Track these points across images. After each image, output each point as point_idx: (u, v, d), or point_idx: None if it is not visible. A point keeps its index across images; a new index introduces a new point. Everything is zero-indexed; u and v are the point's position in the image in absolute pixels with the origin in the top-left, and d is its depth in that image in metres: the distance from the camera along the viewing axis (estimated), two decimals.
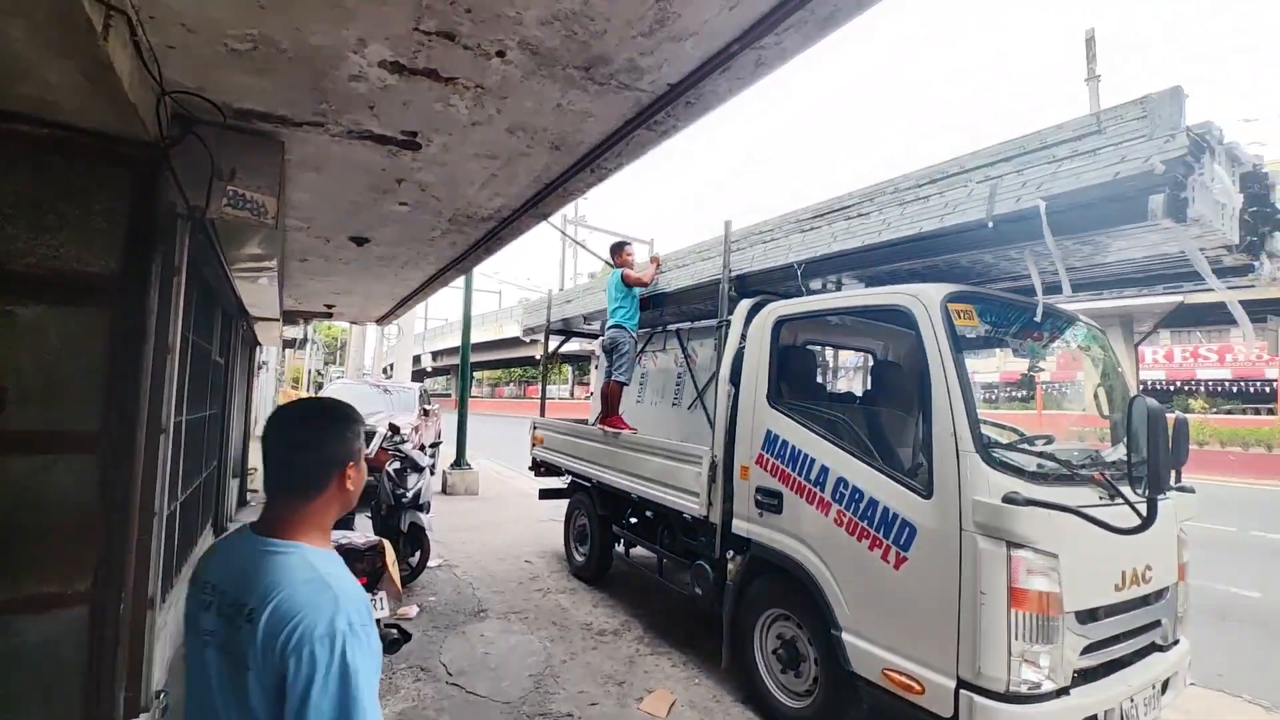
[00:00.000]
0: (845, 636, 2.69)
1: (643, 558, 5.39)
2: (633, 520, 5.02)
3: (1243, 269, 2.62)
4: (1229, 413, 21.42)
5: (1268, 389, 23.37)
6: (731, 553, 3.49)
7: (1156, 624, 2.75)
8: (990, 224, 2.48)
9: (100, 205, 2.04)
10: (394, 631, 3.05)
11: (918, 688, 2.39)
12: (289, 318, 8.10)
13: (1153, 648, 2.73)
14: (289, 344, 26.94)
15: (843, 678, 2.72)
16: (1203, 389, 25.57)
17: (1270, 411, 20.35)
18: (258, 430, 15.26)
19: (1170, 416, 2.24)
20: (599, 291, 5.49)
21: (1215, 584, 5.67)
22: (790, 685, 3.08)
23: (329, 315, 8.36)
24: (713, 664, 3.71)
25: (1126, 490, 2.33)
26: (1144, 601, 2.66)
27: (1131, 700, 2.44)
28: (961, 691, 2.25)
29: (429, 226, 3.88)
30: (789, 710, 3.03)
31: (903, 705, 2.46)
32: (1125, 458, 2.83)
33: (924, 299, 2.60)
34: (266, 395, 22.18)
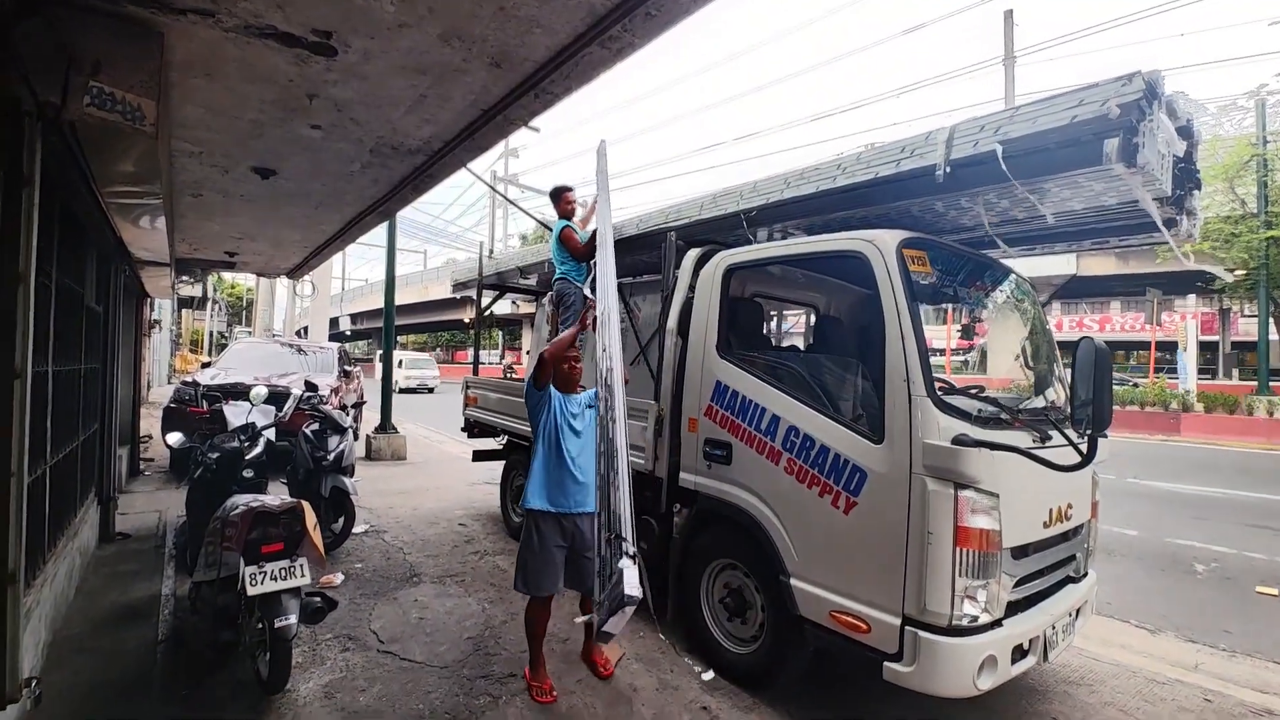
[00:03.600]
0: (794, 582, 2.70)
1: None
2: None
3: (1167, 222, 2.74)
4: None
5: (1142, 354, 26.18)
6: (678, 506, 3.44)
7: (1072, 557, 2.95)
8: (947, 169, 2.45)
9: None
10: (317, 600, 2.80)
11: (864, 627, 2.43)
12: (183, 266, 7.24)
13: (1067, 580, 2.93)
14: (186, 303, 24.58)
15: (790, 622, 2.74)
16: None
17: (1144, 374, 22.83)
18: (152, 396, 13.89)
19: None
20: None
21: (1100, 524, 6.27)
22: (736, 632, 3.10)
23: (231, 265, 7.54)
24: (656, 617, 3.69)
25: (1060, 433, 2.43)
26: (1064, 538, 2.83)
27: (1053, 628, 2.60)
28: (906, 628, 2.31)
29: (347, 158, 3.47)
30: (735, 656, 3.05)
31: (849, 645, 2.50)
32: (1048, 405, 2.99)
33: (879, 244, 2.56)
34: (161, 357, 20.21)
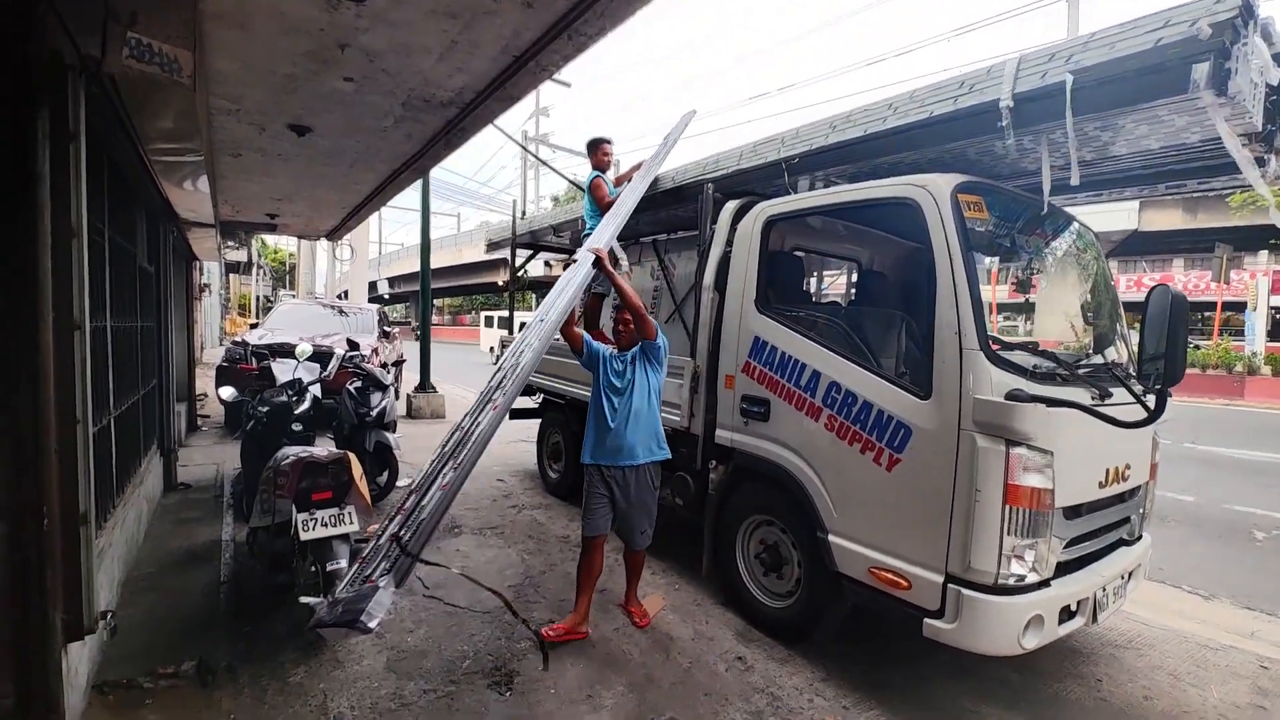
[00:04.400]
0: (831, 538, 2.68)
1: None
2: None
3: (1257, 161, 2.50)
4: None
5: (1206, 315, 24.70)
6: (714, 463, 3.42)
7: (1127, 520, 2.84)
8: (1011, 104, 2.26)
9: None
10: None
11: (904, 583, 2.40)
12: (227, 229, 7.43)
13: (1120, 542, 2.83)
14: (233, 268, 25.38)
15: (826, 578, 2.73)
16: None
17: (1206, 336, 21.56)
18: (205, 357, 14.52)
19: None
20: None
21: (1156, 489, 6.03)
22: (772, 587, 3.11)
23: (272, 228, 7.70)
24: (692, 572, 3.73)
25: (1126, 388, 2.29)
26: (1120, 499, 2.72)
27: (1104, 590, 2.52)
28: (949, 585, 2.26)
29: (380, 112, 3.43)
30: (771, 610, 3.07)
31: (887, 601, 2.48)
32: (1107, 362, 2.82)
33: (932, 189, 2.41)
34: (212, 320, 21.04)
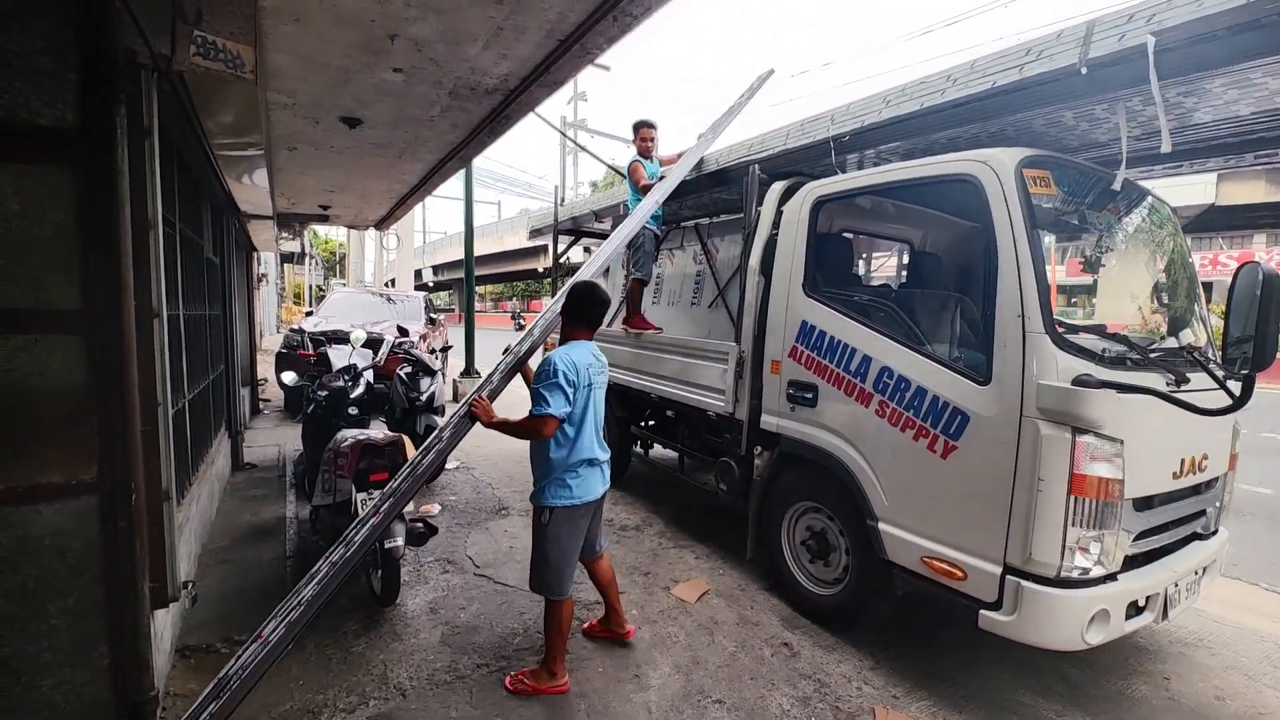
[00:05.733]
0: (882, 526, 2.62)
1: (662, 457, 5.38)
2: (651, 422, 4.95)
3: None
4: None
5: None
6: (759, 448, 3.39)
7: (1203, 513, 2.68)
8: (1084, 69, 2.13)
9: (41, 41, 1.72)
10: (420, 526, 3.01)
11: (959, 574, 2.34)
12: (284, 221, 7.71)
13: (1195, 536, 2.67)
14: (287, 259, 26.43)
15: (876, 566, 2.68)
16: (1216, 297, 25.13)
17: None
18: (264, 344, 15.22)
19: None
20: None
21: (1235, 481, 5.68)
22: (819, 574, 3.08)
23: (325, 219, 7.96)
24: (735, 557, 3.73)
25: (1201, 373, 2.15)
26: (1195, 490, 2.57)
27: (1175, 585, 2.40)
28: (1008, 576, 2.19)
29: (427, 102, 3.48)
30: (818, 598, 3.04)
31: (941, 591, 2.42)
32: (1183, 346, 2.65)
33: (994, 164, 2.29)
34: (270, 309, 22.03)
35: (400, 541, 2.76)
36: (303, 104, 3.53)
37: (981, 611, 2.25)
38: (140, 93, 1.98)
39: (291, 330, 7.91)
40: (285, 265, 29.66)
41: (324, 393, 3.84)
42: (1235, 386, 1.98)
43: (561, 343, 2.52)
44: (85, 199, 1.79)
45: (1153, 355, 2.37)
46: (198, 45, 2.08)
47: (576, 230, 6.72)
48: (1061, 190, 2.38)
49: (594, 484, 2.50)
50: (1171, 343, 2.72)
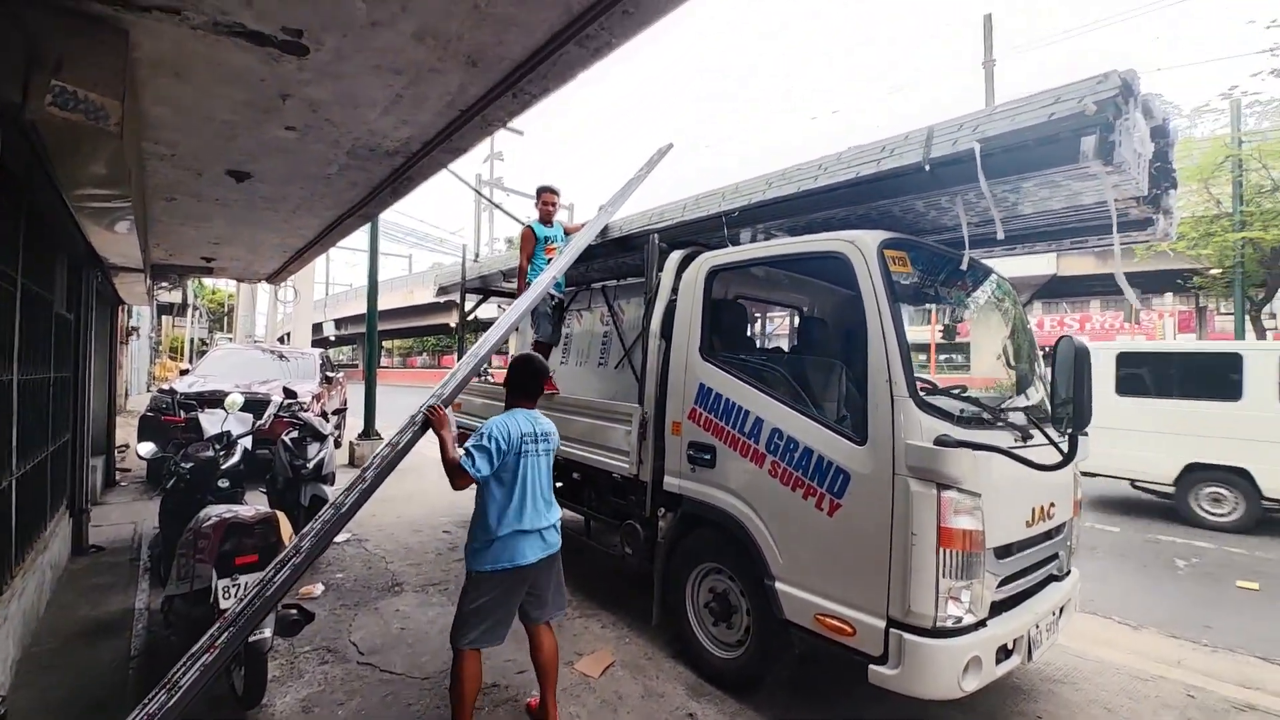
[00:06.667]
0: (778, 585, 2.68)
1: (569, 521, 5.25)
2: (558, 484, 4.85)
3: (1143, 222, 2.77)
4: None
5: None
6: (663, 510, 3.41)
7: (1055, 556, 2.96)
8: (927, 167, 2.45)
9: None
10: (293, 612, 2.73)
11: (849, 630, 2.42)
12: (160, 272, 7.09)
13: (1050, 578, 2.94)
14: (166, 309, 24.13)
15: (775, 626, 2.72)
16: None
17: None
18: (128, 404, 13.58)
19: None
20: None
21: (1081, 520, 6.33)
22: (722, 637, 3.07)
23: (208, 271, 7.38)
24: (642, 623, 3.66)
25: (1041, 432, 2.43)
26: (1047, 536, 2.84)
27: (1037, 627, 2.60)
28: (891, 630, 2.29)
29: (324, 160, 3.40)
30: (721, 661, 3.02)
31: (834, 648, 2.48)
32: (1029, 403, 3.00)
33: (860, 244, 2.56)
34: (140, 365, 19.81)
35: (267, 633, 2.48)
36: (183, 156, 3.33)
37: (870, 666, 2.33)
38: None
39: (160, 390, 7.15)
40: (164, 317, 27.05)
41: (189, 464, 3.46)
42: (1065, 444, 2.24)
43: (506, 409, 2.61)
44: None
45: (1001, 414, 2.65)
46: (54, 94, 1.95)
47: (485, 290, 6.67)
48: (917, 269, 2.69)
49: (524, 551, 2.46)
50: (1021, 400, 3.07)
